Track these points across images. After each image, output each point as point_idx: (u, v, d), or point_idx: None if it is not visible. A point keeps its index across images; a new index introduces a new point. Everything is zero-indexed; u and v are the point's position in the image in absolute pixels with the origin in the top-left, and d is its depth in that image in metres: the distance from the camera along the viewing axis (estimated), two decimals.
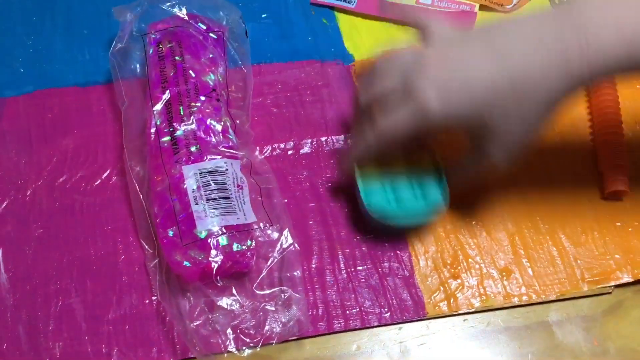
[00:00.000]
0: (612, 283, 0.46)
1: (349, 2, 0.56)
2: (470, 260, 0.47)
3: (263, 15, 0.58)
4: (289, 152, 0.52)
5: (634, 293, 0.47)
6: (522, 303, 0.46)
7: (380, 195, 0.46)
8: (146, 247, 0.46)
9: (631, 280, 0.46)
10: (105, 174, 0.50)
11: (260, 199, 0.47)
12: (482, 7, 0.57)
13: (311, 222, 0.49)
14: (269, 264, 0.45)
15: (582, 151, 0.52)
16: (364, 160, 0.45)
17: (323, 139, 0.53)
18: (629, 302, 0.46)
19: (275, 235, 0.46)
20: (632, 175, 0.50)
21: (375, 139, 0.42)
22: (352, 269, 0.47)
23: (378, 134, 0.42)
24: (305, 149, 0.52)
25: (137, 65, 0.51)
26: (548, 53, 0.36)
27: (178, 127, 0.46)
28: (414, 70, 0.39)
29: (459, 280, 0.47)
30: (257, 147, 0.52)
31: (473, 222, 0.49)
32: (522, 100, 0.37)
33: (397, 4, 0.57)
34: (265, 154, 0.52)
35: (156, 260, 0.46)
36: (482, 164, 0.42)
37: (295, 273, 0.46)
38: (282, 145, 0.52)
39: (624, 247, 0.48)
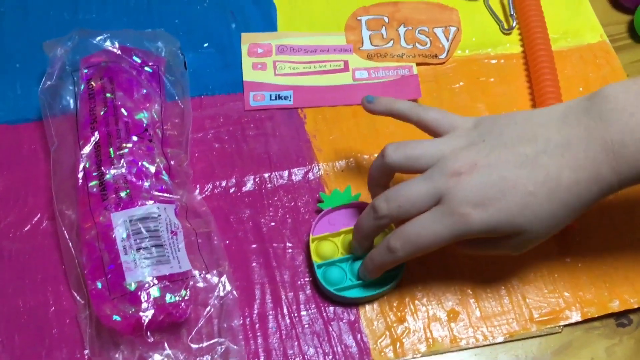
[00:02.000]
0: (561, 323, 0.45)
1: (285, 98, 0.54)
2: (416, 302, 0.46)
3: (205, 45, 0.56)
4: (231, 190, 0.50)
5: (584, 332, 0.46)
6: (470, 346, 0.44)
7: (336, 270, 0.45)
8: (77, 297, 0.44)
9: (580, 319, 0.45)
10: (36, 219, 0.48)
11: (197, 243, 0.45)
12: (418, 64, 0.56)
13: (254, 264, 0.47)
14: (206, 312, 0.43)
15: None
16: (384, 269, 0.43)
17: (266, 175, 0.51)
18: (579, 342, 0.45)
19: (215, 280, 0.45)
20: None
21: (408, 250, 0.40)
22: (296, 314, 0.46)
23: (406, 242, 0.40)
24: (248, 186, 0.50)
25: (69, 102, 0.49)
26: (579, 166, 0.37)
27: (107, 171, 0.44)
28: (444, 179, 0.39)
29: (406, 324, 0.45)
30: (197, 186, 0.50)
31: (420, 262, 0.47)
32: (557, 208, 0.37)
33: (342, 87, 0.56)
34: (206, 192, 0.50)
35: (87, 312, 0.43)
36: (492, 253, 0.42)
37: (234, 323, 0.44)
38: (223, 183, 0.50)
39: (573, 284, 0.47)
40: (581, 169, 0.37)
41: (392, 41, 0.57)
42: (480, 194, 0.38)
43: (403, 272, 0.45)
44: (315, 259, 0.45)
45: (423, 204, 0.39)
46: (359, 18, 0.58)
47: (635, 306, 0.46)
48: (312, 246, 0.46)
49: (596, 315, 0.46)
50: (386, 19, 0.58)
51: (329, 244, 0.46)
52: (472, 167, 0.38)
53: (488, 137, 0.39)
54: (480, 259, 0.47)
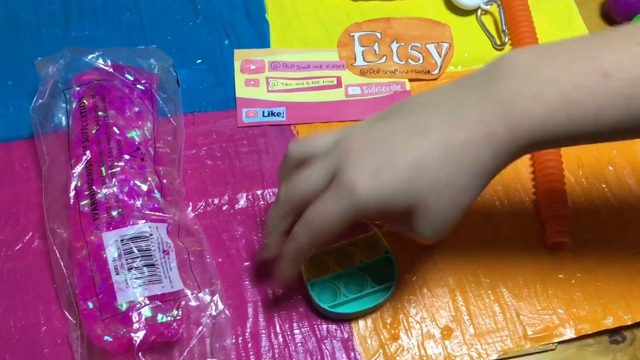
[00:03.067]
0: (555, 340, 0.45)
1: (278, 115, 0.54)
2: (410, 319, 0.46)
3: (197, 61, 0.56)
4: (224, 207, 0.50)
5: (578, 349, 0.45)
6: None
7: (329, 286, 0.45)
8: (69, 317, 0.44)
9: (574, 336, 0.45)
10: (27, 237, 0.48)
11: (189, 261, 0.45)
12: (411, 80, 0.56)
13: (246, 282, 0.47)
14: (198, 332, 0.43)
15: (525, 200, 0.51)
16: (301, 261, 0.41)
17: (259, 192, 0.51)
18: (572, 359, 0.45)
19: (207, 298, 0.44)
20: (575, 224, 0.49)
21: (307, 236, 0.38)
22: (289, 333, 0.45)
23: (308, 230, 0.38)
24: (241, 204, 0.50)
25: (61, 120, 0.48)
26: (471, 124, 0.34)
27: (98, 190, 0.44)
28: (337, 154, 0.37)
29: (399, 342, 0.45)
30: (190, 203, 0.50)
31: (414, 278, 0.47)
32: (452, 174, 0.35)
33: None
34: (199, 210, 0.50)
35: (79, 332, 0.43)
36: (408, 237, 0.40)
37: (226, 342, 0.43)
38: (216, 201, 0.50)
39: (567, 300, 0.47)
40: (473, 127, 0.34)
41: (384, 57, 0.57)
42: (368, 163, 0.35)
43: (396, 283, 0.45)
44: (307, 277, 0.45)
45: (318, 184, 0.37)
46: (351, 34, 0.58)
47: (629, 323, 0.46)
48: (304, 265, 0.46)
49: (590, 332, 0.45)
50: (379, 35, 0.58)
51: (321, 261, 0.46)
52: (364, 140, 0.36)
53: (386, 114, 0.38)
54: (475, 276, 0.47)
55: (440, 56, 0.57)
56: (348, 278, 0.46)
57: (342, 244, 0.46)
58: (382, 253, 0.46)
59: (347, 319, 0.46)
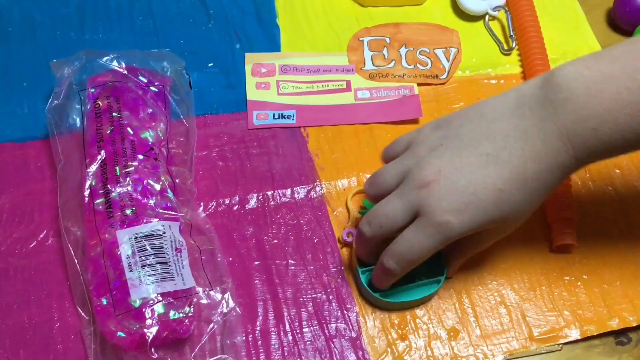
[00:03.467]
0: (561, 341, 0.46)
1: (288, 117, 0.55)
2: (417, 320, 0.46)
3: (209, 65, 0.57)
4: (235, 208, 0.51)
5: (583, 350, 0.46)
6: None
7: None
8: (82, 313, 0.45)
9: (579, 337, 0.46)
10: (42, 235, 0.48)
11: (201, 260, 0.46)
12: (419, 84, 0.57)
13: (256, 281, 0.48)
14: (209, 329, 0.44)
15: None
16: (391, 282, 0.45)
17: (269, 193, 0.51)
18: None
19: (218, 296, 0.45)
20: (581, 227, 0.49)
21: (398, 265, 0.42)
22: (298, 331, 0.46)
23: (399, 260, 0.41)
24: (251, 204, 0.51)
25: (75, 121, 0.49)
26: (538, 153, 0.38)
27: (113, 189, 0.45)
28: (416, 192, 0.40)
29: (407, 342, 0.46)
30: (201, 203, 0.50)
31: None
32: (527, 197, 0.39)
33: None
34: (210, 210, 0.50)
35: (92, 328, 0.44)
36: (482, 247, 0.44)
37: (237, 339, 0.44)
38: (227, 201, 0.51)
39: (573, 302, 0.47)
40: (542, 158, 0.38)
41: (393, 62, 0.58)
42: (454, 200, 0.39)
43: (444, 278, 0.46)
44: (359, 264, 0.46)
45: (401, 219, 0.41)
46: (361, 39, 0.59)
47: (635, 324, 0.46)
48: (354, 252, 0.46)
49: (595, 334, 0.46)
50: (388, 40, 0.59)
51: None
52: (438, 174, 0.39)
53: (445, 140, 0.41)
54: (481, 277, 0.48)
55: (448, 61, 0.58)
56: None
57: (395, 235, 0.47)
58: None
59: (396, 309, 0.46)
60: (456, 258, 0.46)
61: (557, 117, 0.37)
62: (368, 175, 0.52)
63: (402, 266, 0.42)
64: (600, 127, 0.36)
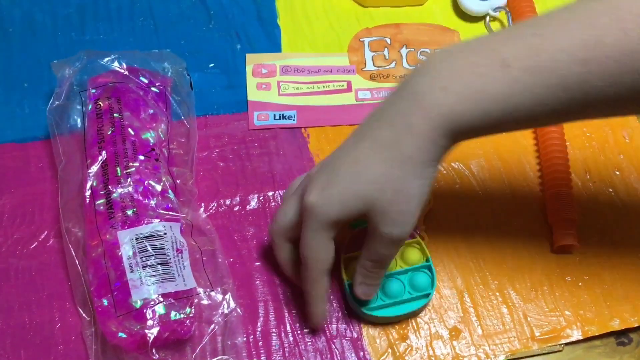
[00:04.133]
0: (563, 341, 0.46)
1: (288, 118, 0.55)
2: (419, 320, 0.46)
3: (210, 65, 0.57)
4: (235, 208, 0.51)
5: (585, 350, 0.46)
6: None
7: None
8: (83, 314, 0.45)
9: (581, 338, 0.46)
10: (43, 236, 0.48)
11: (202, 261, 0.46)
12: None
13: (257, 281, 0.48)
14: (210, 330, 0.44)
15: (532, 203, 0.51)
16: (320, 293, 0.43)
17: (270, 193, 0.51)
18: None
19: (219, 297, 0.45)
20: (582, 228, 0.49)
21: (306, 269, 0.42)
22: (299, 332, 0.46)
23: (304, 264, 0.42)
24: (252, 205, 0.51)
25: (76, 122, 0.49)
26: (393, 123, 0.37)
27: (114, 190, 0.45)
28: (304, 184, 0.41)
29: (408, 342, 0.46)
30: (202, 204, 0.50)
31: None
32: (389, 168, 0.37)
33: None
34: (211, 211, 0.50)
35: (93, 329, 0.44)
36: (379, 242, 0.40)
37: (237, 340, 0.44)
38: (227, 201, 0.51)
39: (574, 303, 0.47)
40: (394, 123, 0.37)
41: (394, 62, 0.58)
42: (319, 181, 0.39)
43: (434, 290, 0.45)
44: (346, 278, 0.46)
45: (291, 212, 0.42)
46: (361, 39, 0.59)
47: (636, 325, 0.46)
48: (344, 265, 0.46)
49: (597, 334, 0.46)
50: (388, 41, 0.59)
51: None
52: (319, 166, 0.41)
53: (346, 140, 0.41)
54: (483, 277, 0.48)
55: None
56: (387, 282, 0.46)
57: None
58: (423, 260, 0.46)
59: (383, 323, 0.46)
60: (360, 272, 0.43)
61: (410, 82, 0.37)
62: None
63: (307, 267, 0.41)
64: (448, 85, 0.35)
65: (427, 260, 0.46)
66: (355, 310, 0.46)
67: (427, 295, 0.45)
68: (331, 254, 0.41)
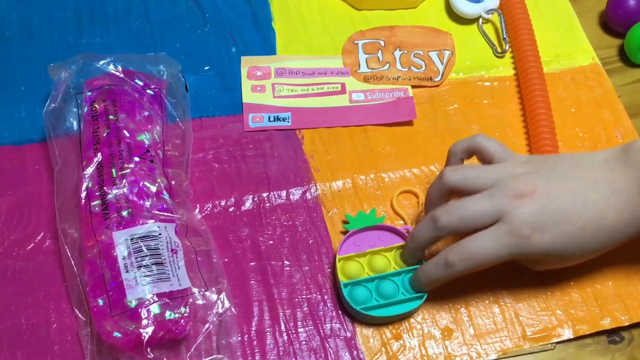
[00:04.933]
0: (554, 340, 0.46)
1: (283, 120, 0.55)
2: (412, 319, 0.47)
3: (205, 68, 0.58)
4: (230, 209, 0.51)
5: (576, 349, 0.46)
6: None
7: (362, 289, 0.46)
8: (79, 314, 0.45)
9: (572, 336, 0.46)
10: (39, 237, 0.49)
11: (197, 261, 0.46)
12: (414, 86, 0.57)
13: (252, 281, 0.48)
14: (205, 329, 0.44)
15: None
16: (437, 283, 0.45)
17: (265, 194, 0.52)
18: (571, 359, 0.46)
19: (214, 297, 0.45)
20: None
21: (465, 265, 0.42)
22: (293, 331, 0.46)
23: (466, 257, 0.42)
24: (247, 206, 0.51)
25: (72, 124, 0.50)
26: (619, 208, 0.41)
27: (109, 191, 0.45)
28: (507, 200, 0.42)
29: (401, 341, 0.46)
30: (197, 205, 0.51)
31: None
32: (598, 244, 0.43)
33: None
34: (206, 212, 0.51)
35: (88, 329, 0.44)
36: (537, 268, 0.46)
37: (232, 339, 0.44)
38: (222, 202, 0.51)
39: (565, 302, 0.47)
40: (622, 211, 0.41)
41: (388, 64, 0.58)
42: (540, 219, 0.41)
43: (427, 294, 0.46)
44: (342, 279, 0.46)
45: (484, 219, 0.42)
46: (355, 42, 0.60)
47: (627, 324, 0.47)
48: (339, 266, 0.47)
49: (588, 333, 0.46)
50: (382, 43, 0.59)
51: (355, 264, 0.47)
52: (533, 192, 0.42)
53: (543, 169, 0.43)
54: (475, 277, 0.48)
55: (442, 63, 0.58)
56: (381, 283, 0.46)
57: (379, 250, 0.47)
58: (416, 263, 0.47)
59: (377, 323, 0.46)
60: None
61: (638, 175, 0.41)
62: (363, 177, 0.53)
63: (465, 265, 0.42)
64: None
65: (420, 263, 0.47)
66: (349, 311, 0.46)
67: (421, 297, 0.46)
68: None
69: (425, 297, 0.46)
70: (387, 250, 0.47)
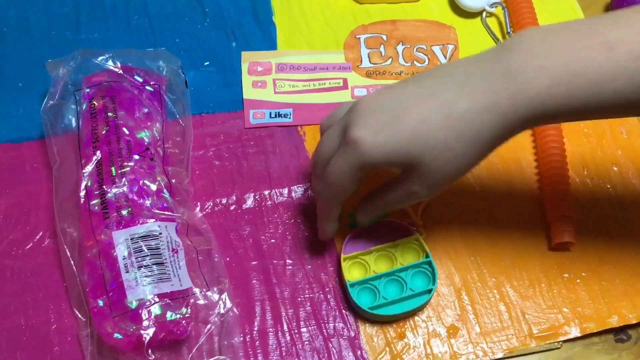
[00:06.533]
0: (561, 339, 0.45)
1: (284, 116, 0.54)
2: (416, 318, 0.46)
3: (205, 64, 0.57)
4: (231, 207, 0.50)
5: (583, 347, 0.46)
6: None
7: (368, 287, 0.46)
8: (79, 315, 0.44)
9: (579, 335, 0.46)
10: (38, 237, 0.48)
11: (198, 260, 0.45)
12: None
13: (254, 281, 0.48)
14: (206, 330, 0.44)
15: (530, 200, 0.51)
16: (329, 216, 0.45)
17: (266, 192, 0.51)
18: (578, 357, 0.45)
19: (215, 297, 0.45)
20: (580, 225, 0.49)
21: (325, 190, 0.42)
22: (296, 331, 0.46)
23: (325, 186, 0.42)
24: (248, 204, 0.51)
25: (71, 121, 0.49)
26: (476, 94, 0.36)
27: (108, 190, 0.44)
28: (348, 115, 0.40)
29: (405, 340, 0.45)
30: (198, 203, 0.50)
31: None
32: (452, 138, 0.37)
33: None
34: (207, 210, 0.50)
35: (88, 330, 0.44)
36: (402, 192, 0.41)
37: (234, 340, 0.44)
38: (224, 200, 0.51)
39: (572, 300, 0.47)
40: (477, 97, 0.36)
41: (390, 59, 0.57)
42: (375, 118, 0.38)
43: (435, 288, 0.45)
44: (348, 279, 0.46)
45: (333, 144, 0.41)
46: (357, 36, 0.59)
47: (634, 322, 0.46)
48: (344, 265, 0.46)
49: (595, 331, 0.46)
50: (384, 37, 0.59)
51: (361, 263, 0.47)
52: (373, 102, 0.39)
53: (401, 82, 0.40)
54: (481, 275, 0.48)
55: (445, 58, 0.58)
56: (387, 280, 0.46)
57: (384, 247, 0.47)
58: (422, 257, 0.46)
59: (386, 321, 0.46)
60: (370, 207, 0.45)
61: (507, 56, 0.36)
62: None
63: (330, 192, 0.42)
64: (545, 65, 0.34)
65: (427, 257, 0.46)
66: (356, 310, 0.46)
67: (429, 292, 0.45)
68: (354, 189, 0.41)
69: (433, 290, 0.45)
70: (393, 246, 0.47)
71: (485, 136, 0.36)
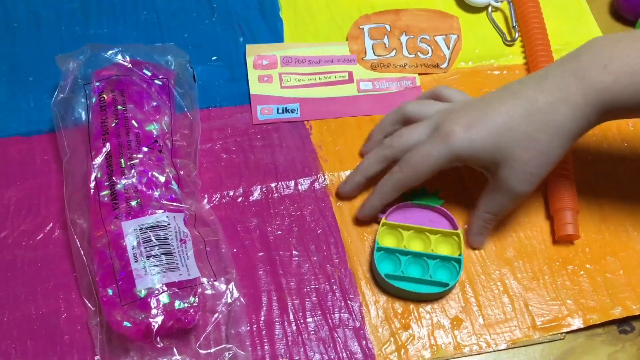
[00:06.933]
0: (564, 330, 0.46)
1: (292, 111, 0.55)
2: (421, 309, 0.47)
3: (213, 58, 0.58)
4: (239, 200, 0.51)
5: (587, 339, 0.46)
6: (473, 353, 0.45)
7: (393, 259, 0.47)
8: (88, 304, 0.45)
9: (582, 326, 0.46)
10: (48, 228, 0.49)
11: (205, 251, 0.46)
12: (421, 74, 0.57)
13: (260, 272, 0.48)
14: (214, 319, 0.44)
15: (534, 193, 0.51)
16: (388, 197, 0.47)
17: (273, 185, 0.52)
18: (581, 349, 0.46)
19: (223, 287, 0.45)
20: (585, 216, 0.50)
21: (405, 170, 0.46)
22: (302, 321, 0.46)
23: (408, 166, 0.45)
24: (255, 196, 0.51)
25: (81, 115, 0.50)
26: (552, 89, 0.42)
27: (118, 181, 0.45)
28: (440, 115, 0.46)
29: (410, 331, 0.46)
30: (206, 195, 0.51)
31: None
32: (535, 130, 0.42)
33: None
34: (214, 202, 0.51)
35: (98, 319, 0.44)
36: (500, 192, 0.45)
37: (241, 329, 0.45)
38: (231, 193, 0.51)
39: (575, 291, 0.47)
40: (553, 92, 0.42)
41: (394, 51, 0.58)
42: (466, 115, 0.44)
43: (453, 285, 0.46)
44: (378, 241, 0.47)
45: (421, 137, 0.45)
46: (361, 27, 0.59)
47: (637, 313, 0.46)
48: (380, 229, 0.47)
49: (598, 322, 0.46)
50: (388, 28, 0.59)
51: (396, 234, 0.48)
52: (465, 104, 0.45)
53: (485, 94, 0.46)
54: (484, 267, 0.48)
55: (448, 49, 0.58)
56: (413, 259, 0.47)
57: (424, 228, 0.48)
58: (455, 253, 0.47)
59: (397, 295, 0.47)
60: (477, 223, 0.47)
61: (573, 60, 0.42)
62: None
63: (404, 170, 0.45)
64: (608, 65, 0.40)
65: (460, 255, 0.47)
66: (374, 275, 0.47)
67: (446, 285, 0.46)
68: (426, 178, 0.46)
69: (450, 287, 0.46)
70: (433, 232, 0.48)
71: (565, 126, 0.42)
